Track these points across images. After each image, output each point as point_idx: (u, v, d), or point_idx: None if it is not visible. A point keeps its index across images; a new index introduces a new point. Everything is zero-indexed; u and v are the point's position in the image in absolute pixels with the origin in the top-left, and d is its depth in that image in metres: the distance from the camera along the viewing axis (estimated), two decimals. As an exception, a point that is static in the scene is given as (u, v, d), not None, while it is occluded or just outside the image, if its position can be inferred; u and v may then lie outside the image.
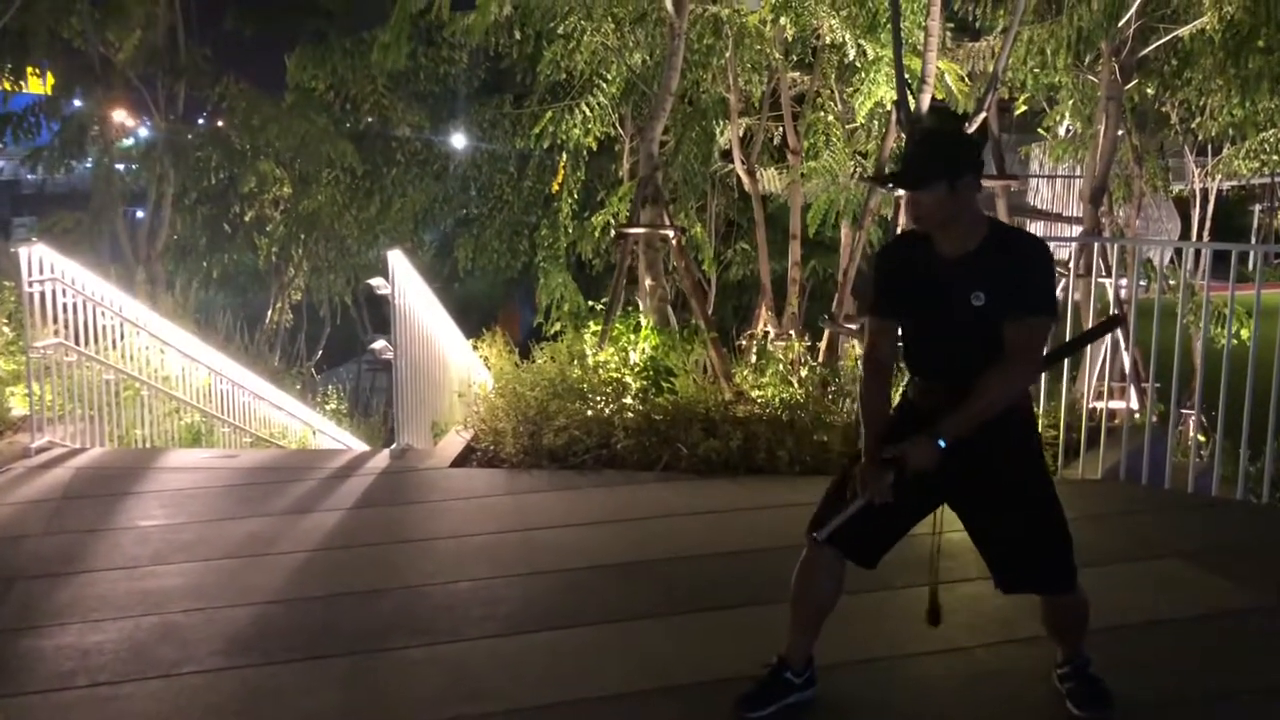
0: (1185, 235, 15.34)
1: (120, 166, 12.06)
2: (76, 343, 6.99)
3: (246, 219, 13.87)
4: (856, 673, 3.72)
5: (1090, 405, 6.55)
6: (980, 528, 3.21)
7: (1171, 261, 10.96)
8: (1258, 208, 21.91)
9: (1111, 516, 5.45)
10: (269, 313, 14.43)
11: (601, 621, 4.14)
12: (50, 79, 11.24)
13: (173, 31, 11.36)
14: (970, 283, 2.94)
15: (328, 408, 13.89)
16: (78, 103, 10.77)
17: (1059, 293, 6.87)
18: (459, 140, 15.12)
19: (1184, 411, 6.87)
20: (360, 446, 10.28)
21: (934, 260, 3.00)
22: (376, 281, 6.65)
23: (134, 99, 11.46)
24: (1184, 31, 9.28)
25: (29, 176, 11.99)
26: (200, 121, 13.20)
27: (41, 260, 6.66)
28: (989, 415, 2.96)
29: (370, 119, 13.54)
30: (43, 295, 6.69)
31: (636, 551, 4.90)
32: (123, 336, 7.59)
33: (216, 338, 10.52)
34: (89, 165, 11.50)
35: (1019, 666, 3.75)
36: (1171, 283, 10.05)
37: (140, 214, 12.46)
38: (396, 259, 6.52)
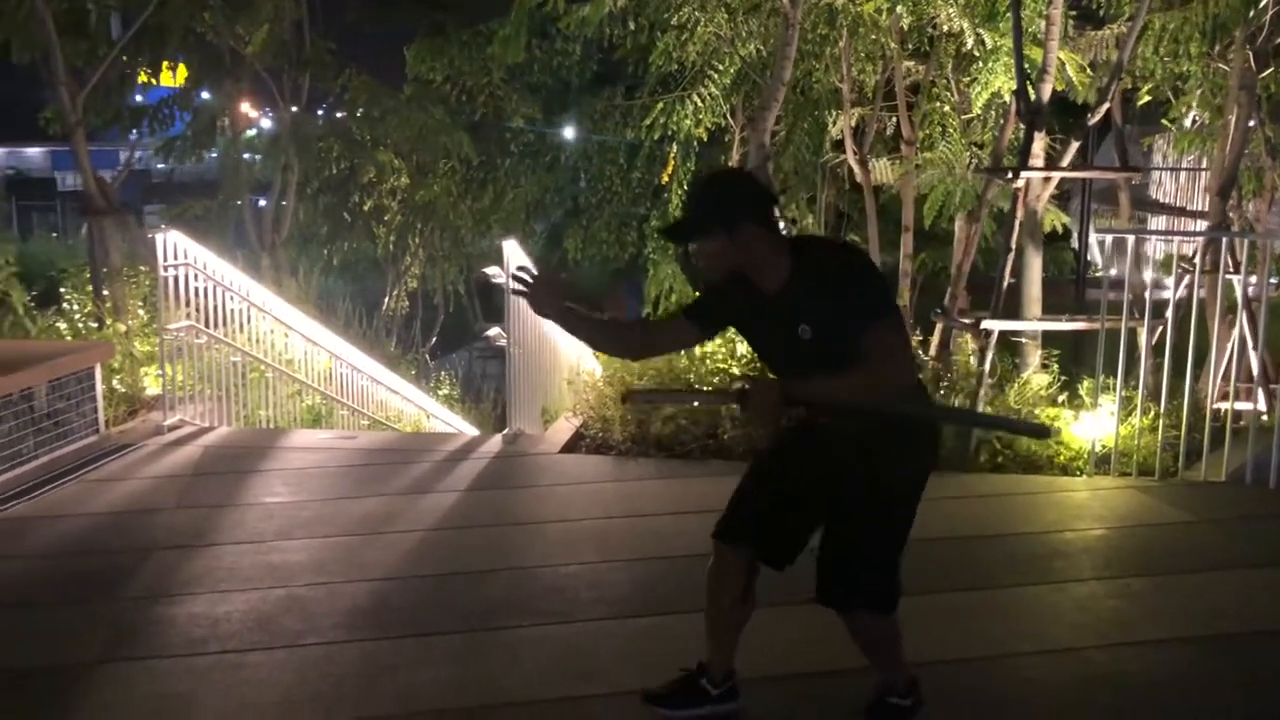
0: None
1: (246, 156, 12.50)
2: (206, 325, 7.30)
3: (365, 208, 14.24)
4: (967, 670, 3.69)
5: (1214, 406, 6.33)
6: (828, 526, 3.08)
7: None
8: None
9: (1235, 520, 5.30)
10: (385, 299, 14.80)
11: (694, 610, 4.17)
12: (183, 72, 11.70)
13: (298, 25, 11.73)
14: (793, 316, 2.84)
15: (440, 393, 14.20)
16: (207, 95, 11.18)
17: (1183, 290, 6.68)
18: (570, 131, 15.28)
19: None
20: (471, 431, 10.50)
21: (756, 293, 2.91)
22: (492, 270, 6.80)
23: (261, 91, 11.87)
24: (1326, 16, 8.86)
25: (158, 166, 12.51)
26: (321, 112, 13.58)
27: (175, 246, 6.96)
28: (837, 397, 2.84)
29: (485, 111, 13.75)
30: (176, 279, 6.99)
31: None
32: (249, 320, 7.88)
33: (336, 323, 10.84)
34: (216, 155, 11.93)
35: (1132, 669, 3.67)
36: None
37: (263, 202, 12.89)
38: (511, 248, 6.65)
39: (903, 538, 3.02)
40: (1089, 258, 11.51)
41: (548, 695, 3.53)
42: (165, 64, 11.20)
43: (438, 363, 18.25)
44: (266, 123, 13.80)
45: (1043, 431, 3.75)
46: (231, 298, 7.58)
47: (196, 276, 7.15)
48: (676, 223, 3.10)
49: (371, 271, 15.92)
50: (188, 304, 7.13)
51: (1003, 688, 3.58)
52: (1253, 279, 8.44)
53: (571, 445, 6.55)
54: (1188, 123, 13.38)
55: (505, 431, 6.71)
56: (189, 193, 16.22)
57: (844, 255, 2.97)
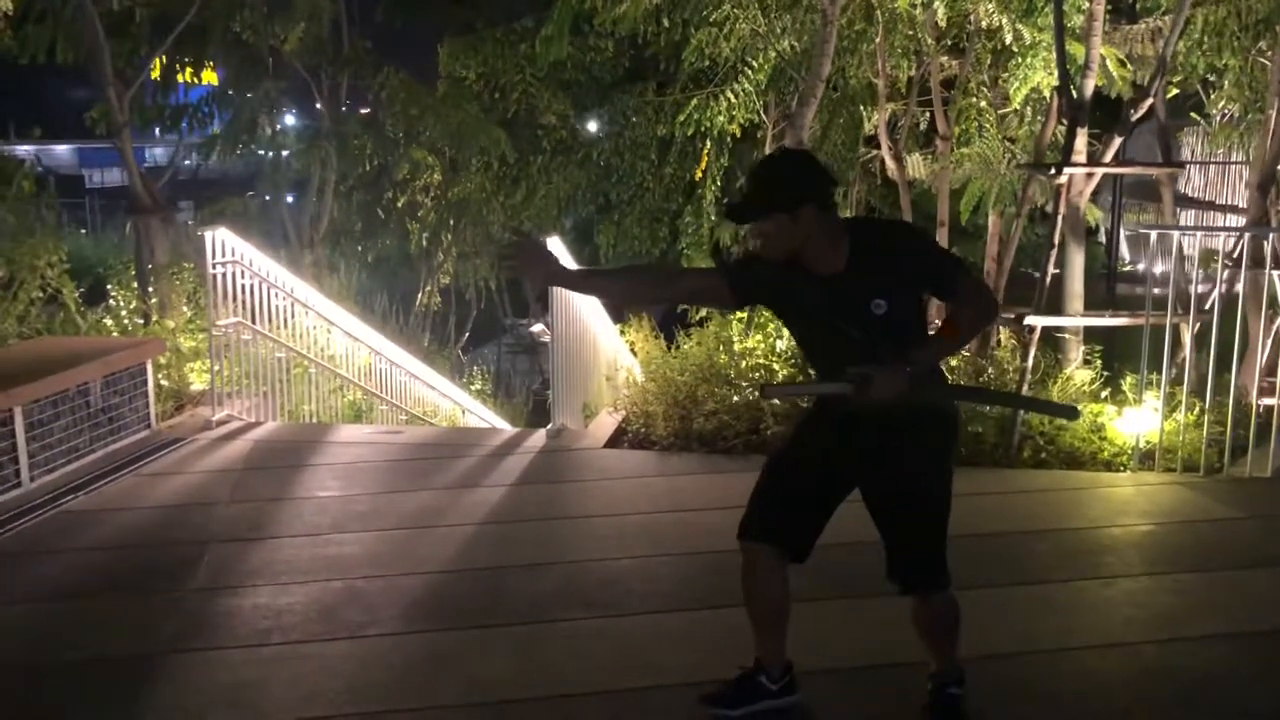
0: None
1: (285, 153, 12.62)
2: (252, 322, 7.40)
3: (399, 205, 14.34)
4: (1020, 664, 3.73)
5: (1259, 401, 6.32)
6: (878, 519, 3.18)
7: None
8: None
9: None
10: (419, 295, 14.90)
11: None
12: (209, 75, 11.79)
13: (336, 24, 11.83)
14: (863, 293, 2.90)
15: (474, 388, 14.30)
16: (249, 94, 11.30)
17: (1222, 287, 6.67)
18: (602, 128, 15.30)
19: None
20: (505, 426, 10.59)
21: (810, 277, 2.97)
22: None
23: (300, 89, 11.99)
24: (1367, 9, 8.81)
25: (185, 163, 12.64)
26: (360, 110, 13.68)
27: (224, 243, 7.07)
28: (958, 349, 3.23)
29: (518, 108, 13.80)
30: (223, 276, 7.10)
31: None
32: (293, 316, 7.98)
33: (374, 319, 10.94)
34: (258, 152, 12.05)
35: (1187, 664, 3.70)
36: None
37: (289, 199, 13.01)
38: (553, 245, 6.70)
39: (948, 513, 3.10)
40: (1120, 253, 11.48)
41: (610, 686, 3.59)
42: (207, 64, 11.32)
43: (469, 358, 18.37)
44: (290, 119, 13.86)
45: (1071, 412, 3.95)
46: (277, 294, 7.68)
47: (243, 273, 7.25)
48: (739, 202, 3.12)
49: (405, 268, 16.02)
50: (233, 300, 7.24)
51: (1056, 682, 3.62)
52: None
53: (614, 440, 6.61)
54: (1215, 114, 13.34)
55: (549, 427, 6.78)
56: (215, 189, 16.38)
57: (901, 227, 3.20)
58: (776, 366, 6.95)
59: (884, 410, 2.90)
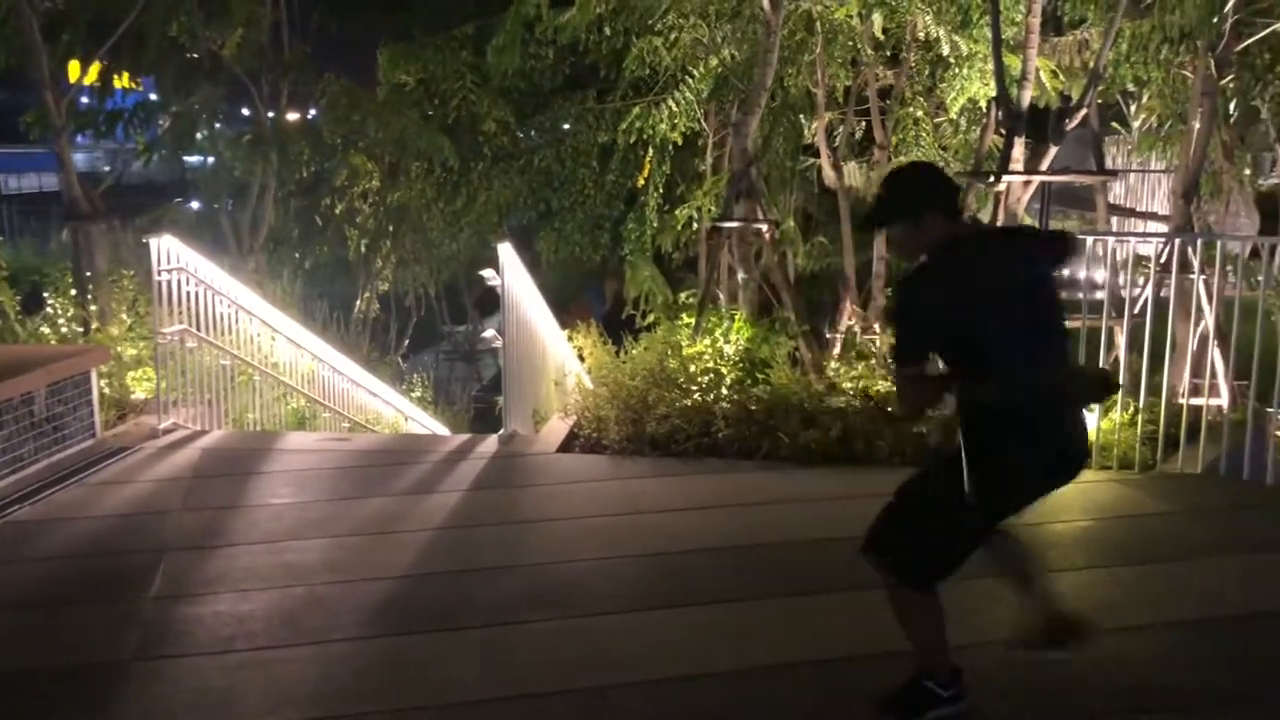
0: (1275, 232, 15.09)
1: (222, 158, 12.45)
2: (196, 329, 7.32)
3: (337, 212, 14.23)
4: (974, 655, 3.84)
5: (1184, 401, 6.57)
6: None
7: (1253, 257, 10.84)
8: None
9: (1212, 511, 5.52)
10: (358, 302, 14.80)
11: (717, 602, 4.33)
12: (124, 80, 11.58)
13: (276, 29, 11.74)
14: None
15: (414, 395, 14.24)
16: (188, 99, 11.14)
17: (1150, 290, 6.93)
18: (543, 135, 15.34)
19: (1269, 410, 6.86)
20: (446, 434, 10.57)
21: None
22: (487, 273, 6.89)
23: (240, 94, 11.85)
24: (1281, 25, 9.21)
25: (106, 169, 12.41)
26: (301, 115, 13.55)
27: (169, 250, 6.99)
28: None
29: (458, 114, 13.79)
30: (169, 284, 7.02)
31: (745, 536, 5.08)
32: (238, 323, 7.91)
33: (314, 326, 10.86)
34: (195, 159, 11.90)
35: (1131, 653, 3.86)
36: (1260, 279, 9.97)
37: (230, 205, 12.87)
38: (506, 252, 6.76)
39: (950, 520, 3.17)
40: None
41: (574, 685, 3.65)
42: (136, 75, 11.15)
43: (409, 364, 18.26)
44: (231, 124, 13.70)
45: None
46: (221, 301, 7.61)
47: (188, 280, 7.18)
48: (870, 211, 3.33)
49: (343, 275, 15.90)
50: (179, 308, 7.16)
51: (1007, 673, 3.73)
52: (1202, 278, 8.74)
53: (567, 445, 6.66)
54: (1136, 124, 13.81)
55: (501, 432, 6.81)
56: (140, 196, 16.12)
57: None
58: (725, 370, 7.06)
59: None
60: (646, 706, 3.53)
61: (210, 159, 12.06)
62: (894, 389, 3.34)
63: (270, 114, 11.97)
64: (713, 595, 4.40)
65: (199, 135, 11.10)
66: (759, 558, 4.79)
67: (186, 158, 12.37)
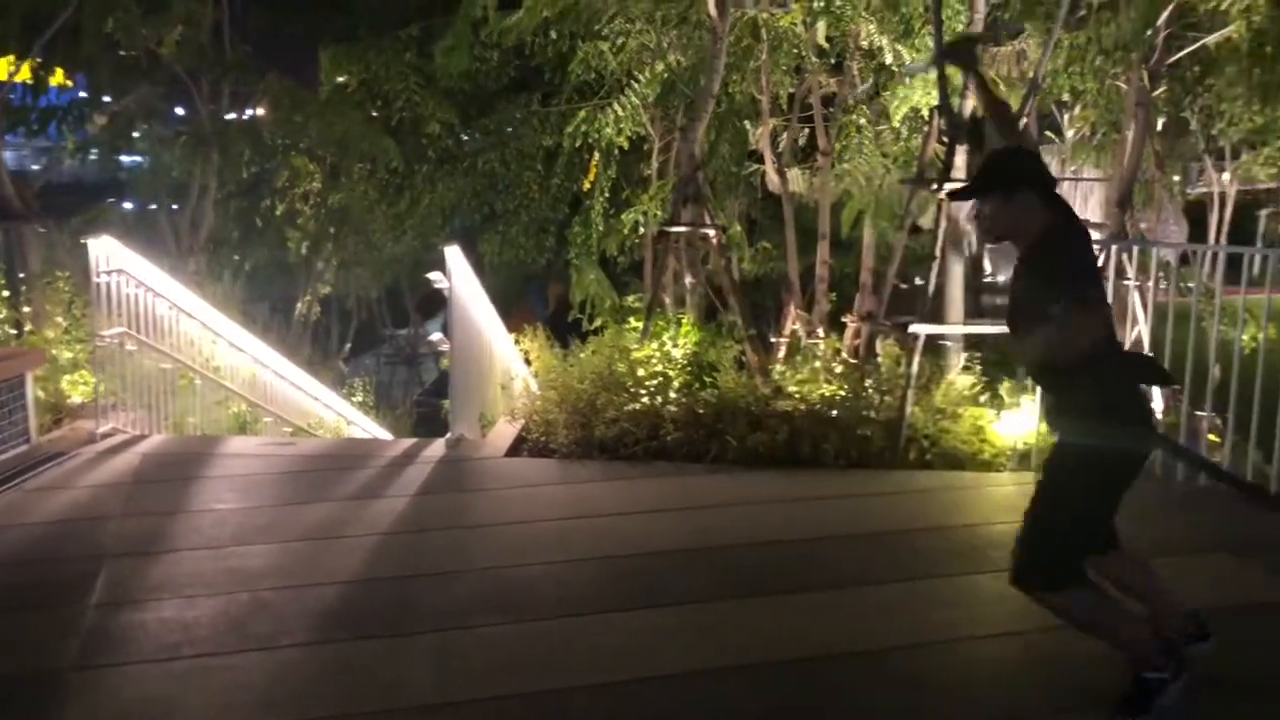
0: (1202, 239, 15.50)
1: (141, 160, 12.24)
2: (136, 332, 7.19)
3: (278, 213, 14.06)
4: (918, 654, 3.92)
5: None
6: None
7: (1186, 263, 11.16)
8: (1264, 213, 22.07)
9: (1149, 512, 5.62)
10: (299, 305, 14.64)
11: (670, 604, 4.35)
12: (59, 78, 11.37)
13: (217, 28, 11.57)
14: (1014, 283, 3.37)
15: (355, 399, 14.11)
16: (126, 97, 10.95)
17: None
18: (487, 137, 15.29)
19: (1198, 413, 7.06)
20: (389, 438, 10.49)
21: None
22: (435, 275, 6.86)
23: (180, 94, 11.66)
24: (1211, 39, 9.47)
25: (33, 168, 12.13)
26: (241, 115, 13.36)
27: (107, 252, 6.86)
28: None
29: (401, 116, 13.70)
30: (108, 286, 6.89)
31: (695, 539, 5.11)
32: (178, 326, 7.79)
33: (254, 329, 10.72)
34: (132, 158, 11.68)
35: (1073, 652, 3.93)
36: (1190, 285, 10.25)
37: (155, 206, 12.66)
38: (453, 254, 6.72)
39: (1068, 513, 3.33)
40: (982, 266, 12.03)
41: (528, 689, 3.65)
42: (69, 72, 10.93)
43: (350, 368, 18.10)
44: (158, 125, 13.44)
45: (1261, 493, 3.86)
46: (162, 304, 7.48)
47: (128, 282, 7.05)
48: (967, 184, 3.50)
49: (284, 277, 15.72)
50: (118, 310, 7.03)
51: (948, 672, 3.82)
52: (1134, 283, 8.96)
53: (514, 449, 6.64)
54: (1070, 134, 14.11)
55: (448, 436, 6.77)
56: (70, 195, 15.78)
57: (1055, 248, 3.30)
58: (672, 374, 7.09)
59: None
60: (599, 709, 3.53)
61: (146, 159, 11.83)
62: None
63: (211, 114, 11.79)
64: (664, 598, 4.42)
65: (136, 134, 10.88)
66: (708, 560, 4.82)
67: (122, 157, 12.15)
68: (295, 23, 15.45)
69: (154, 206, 12.58)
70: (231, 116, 12.82)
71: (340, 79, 13.21)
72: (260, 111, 12.59)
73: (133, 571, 4.61)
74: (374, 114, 13.67)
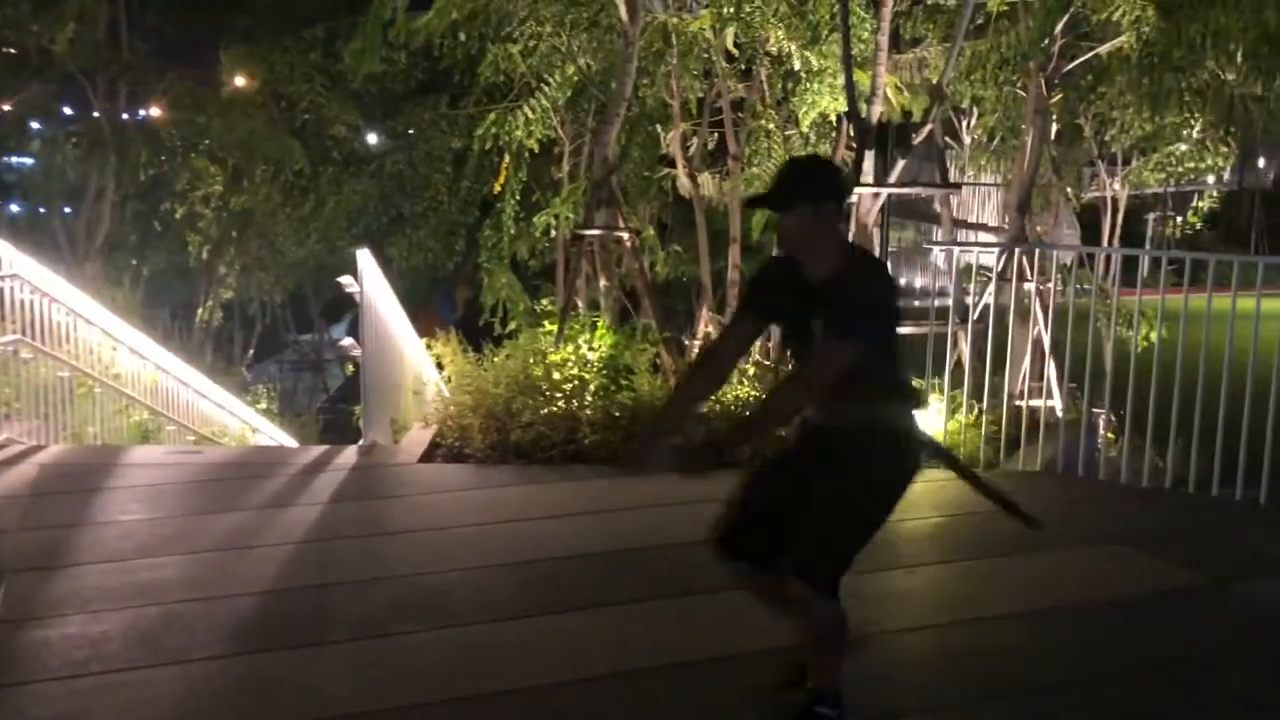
0: (1095, 242, 16.07)
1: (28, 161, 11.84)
2: (31, 339, 6.95)
3: (178, 216, 13.71)
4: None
5: (1022, 403, 6.94)
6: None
7: (1083, 265, 11.56)
8: (1151, 216, 22.96)
9: (1052, 505, 5.81)
10: (200, 311, 14.29)
11: (592, 606, 4.35)
12: None
13: (114, 27, 11.22)
14: (817, 310, 3.01)
15: (259, 406, 13.81)
16: (13, 96, 10.57)
17: (988, 297, 7.29)
18: (395, 140, 15.13)
19: (1095, 410, 7.35)
20: (295, 446, 10.29)
21: (802, 283, 3.09)
22: (346, 280, 6.76)
23: (75, 93, 11.29)
24: (1104, 49, 9.82)
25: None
26: (137, 116, 13.00)
27: (1, 256, 6.62)
28: (767, 425, 3.29)
29: (305, 117, 13.47)
30: (0, 291, 6.64)
31: (614, 541, 5.11)
32: (76, 332, 7.54)
33: (155, 335, 10.44)
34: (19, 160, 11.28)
35: (989, 643, 4.05)
36: (1087, 287, 10.62)
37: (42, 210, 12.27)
38: (364, 258, 6.64)
39: (849, 533, 3.15)
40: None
41: (451, 695, 3.61)
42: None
43: (254, 374, 17.70)
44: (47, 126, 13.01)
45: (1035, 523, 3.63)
46: (59, 310, 7.24)
47: (22, 288, 6.81)
48: (767, 194, 3.23)
49: (181, 282, 15.34)
50: (10, 317, 6.78)
51: (874, 665, 3.87)
52: (1029, 286, 9.25)
53: (429, 455, 6.57)
54: (968, 140, 14.53)
55: (360, 443, 6.68)
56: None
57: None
58: (588, 377, 7.09)
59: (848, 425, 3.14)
60: (523, 713, 3.51)
61: (37, 160, 11.44)
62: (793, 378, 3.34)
63: (108, 114, 11.44)
64: (584, 601, 4.41)
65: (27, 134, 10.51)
66: (629, 562, 4.83)
67: (11, 158, 11.74)
68: (196, 22, 15.09)
69: (43, 210, 12.17)
70: (139, 116, 12.48)
71: (241, 80, 12.94)
72: (158, 112, 12.23)
73: (34, 588, 4.44)
74: (277, 115, 13.42)
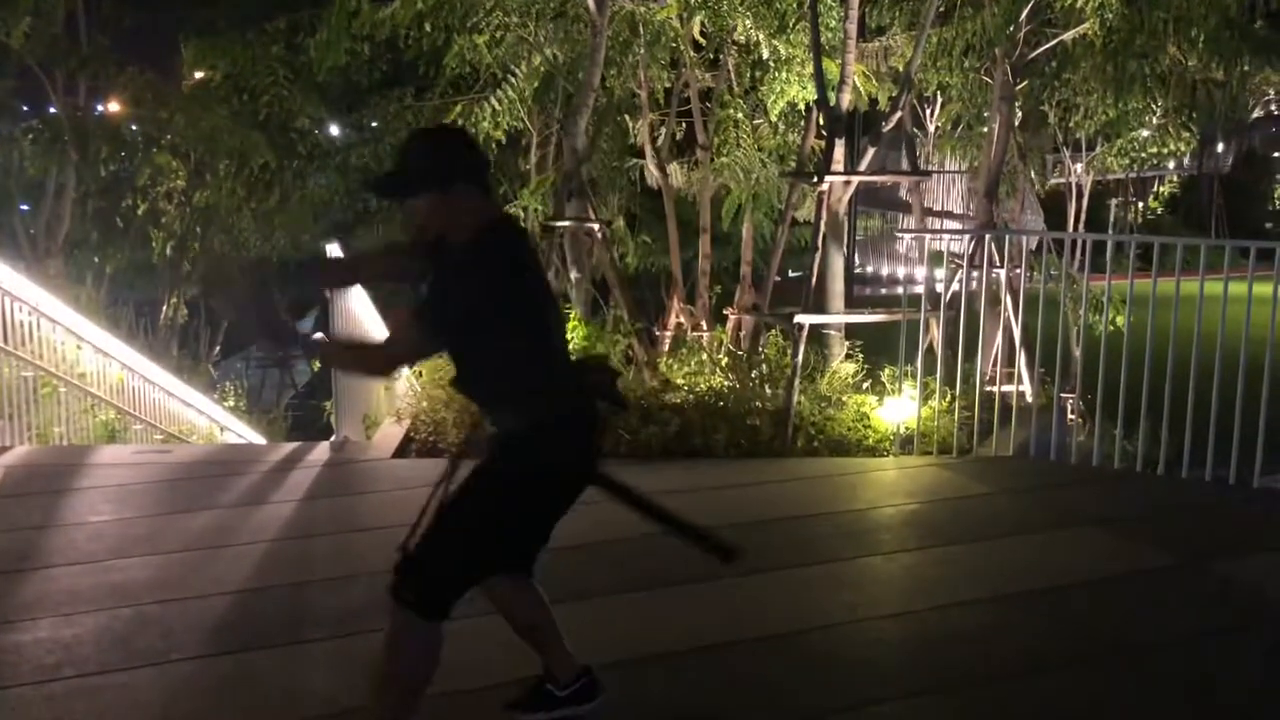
0: (1059, 227, 16.19)
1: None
2: (-6, 339, 6.85)
3: (140, 212, 13.51)
4: (819, 637, 4.00)
5: (991, 388, 6.98)
6: None
7: (1050, 250, 11.66)
8: (1114, 202, 23.20)
9: (1025, 490, 5.88)
10: (164, 308, 14.11)
11: (572, 599, 4.30)
12: None
13: (72, 19, 11.04)
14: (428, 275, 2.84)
15: (226, 404, 13.66)
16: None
17: (955, 284, 7.32)
18: (359, 133, 15.00)
19: (1064, 395, 7.42)
20: (266, 444, 10.20)
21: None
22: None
23: (32, 87, 11.11)
24: (1068, 36, 9.88)
25: None
26: (96, 111, 12.80)
27: (-39, 255, 6.50)
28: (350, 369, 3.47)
29: (269, 111, 13.30)
30: (-39, 291, 6.54)
31: (589, 533, 4.99)
32: (39, 331, 7.42)
33: (120, 333, 10.30)
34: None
35: (966, 627, 4.08)
36: (1054, 273, 10.70)
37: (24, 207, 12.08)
38: (335, 252, 6.57)
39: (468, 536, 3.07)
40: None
41: (437, 688, 3.57)
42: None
43: (220, 372, 17.49)
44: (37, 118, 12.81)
45: (731, 554, 3.21)
46: (21, 308, 7.12)
47: (-15, 287, 6.70)
48: (389, 177, 2.95)
49: (145, 279, 15.13)
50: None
51: (854, 651, 3.91)
52: (999, 272, 9.31)
53: (402, 450, 6.54)
54: (933, 128, 14.60)
55: (333, 439, 6.62)
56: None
57: (479, 253, 2.77)
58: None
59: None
60: (500, 707, 3.50)
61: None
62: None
63: (67, 108, 11.25)
64: (565, 593, 4.32)
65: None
66: (608, 554, 4.81)
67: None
68: (156, 15, 14.86)
69: (3, 207, 11.98)
70: (100, 111, 12.29)
71: (201, 73, 12.76)
72: (118, 107, 12.05)
73: (2, 591, 4.37)
74: (240, 109, 13.24)
